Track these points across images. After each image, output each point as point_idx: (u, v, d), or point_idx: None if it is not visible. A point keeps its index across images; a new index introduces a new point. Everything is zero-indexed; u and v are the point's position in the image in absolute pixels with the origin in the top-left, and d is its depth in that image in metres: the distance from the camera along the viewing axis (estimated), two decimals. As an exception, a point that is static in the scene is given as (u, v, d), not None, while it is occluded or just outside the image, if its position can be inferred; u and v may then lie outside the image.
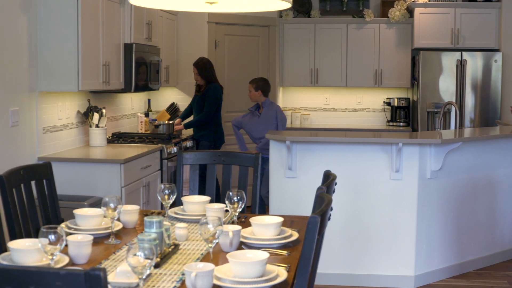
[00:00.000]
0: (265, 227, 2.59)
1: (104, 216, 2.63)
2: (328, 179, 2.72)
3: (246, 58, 7.45)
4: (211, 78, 6.26)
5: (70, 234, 2.58)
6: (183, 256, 2.40)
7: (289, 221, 2.93)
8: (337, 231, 4.67)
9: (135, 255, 1.87)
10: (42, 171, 3.06)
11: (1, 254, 2.33)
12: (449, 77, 7.20)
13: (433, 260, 4.79)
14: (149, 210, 3.18)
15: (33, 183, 3.00)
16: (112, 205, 2.54)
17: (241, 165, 3.56)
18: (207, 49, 6.97)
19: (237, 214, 2.80)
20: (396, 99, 7.86)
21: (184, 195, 3.27)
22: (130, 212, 2.81)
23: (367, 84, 7.82)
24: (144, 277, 1.90)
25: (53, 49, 4.45)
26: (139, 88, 5.53)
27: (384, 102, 7.98)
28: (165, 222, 2.47)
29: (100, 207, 2.65)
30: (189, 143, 6.07)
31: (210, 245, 2.26)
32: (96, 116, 5.09)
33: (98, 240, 2.59)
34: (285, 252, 2.47)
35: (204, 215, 2.88)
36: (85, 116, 5.14)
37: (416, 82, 7.40)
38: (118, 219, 2.80)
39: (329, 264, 4.67)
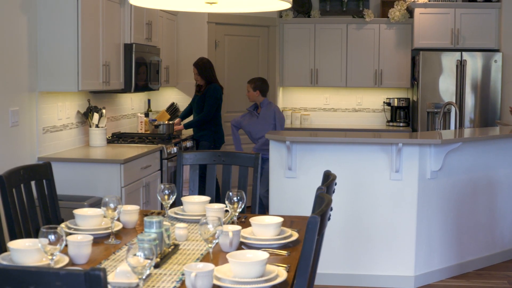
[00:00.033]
0: (265, 227, 2.59)
1: (104, 216, 2.63)
2: (328, 179, 2.72)
3: (246, 58, 7.45)
4: (211, 78, 6.26)
5: (70, 234, 2.58)
6: (183, 256, 2.40)
7: (289, 221, 2.93)
8: (337, 231, 4.67)
9: (135, 255, 1.87)
10: (42, 171, 3.06)
11: (1, 254, 2.33)
12: (449, 77, 7.20)
13: (433, 260, 4.79)
14: (149, 210, 3.18)
15: (33, 183, 3.00)
16: (112, 205, 2.54)
17: (241, 165, 3.56)
18: (207, 49, 6.97)
19: (237, 214, 2.80)
20: (396, 99, 7.86)
21: (184, 195, 3.28)
22: (130, 212, 2.81)
23: (367, 84, 7.82)
24: (144, 277, 1.90)
25: (53, 49, 4.45)
26: (139, 88, 5.53)
27: (384, 102, 7.98)
28: (165, 222, 2.47)
29: (100, 207, 2.65)
30: (189, 143, 6.07)
31: (210, 245, 2.26)
32: (96, 116, 5.09)
33: (98, 240, 2.59)
34: (285, 252, 2.47)
35: (204, 215, 2.88)
36: (85, 116, 5.14)
37: (416, 82, 7.40)
38: (118, 219, 2.80)
39: (329, 264, 4.67)
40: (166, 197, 2.84)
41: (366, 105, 8.11)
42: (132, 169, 4.65)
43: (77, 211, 2.75)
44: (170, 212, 3.03)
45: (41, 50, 4.45)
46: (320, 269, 4.20)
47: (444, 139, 4.57)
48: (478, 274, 4.98)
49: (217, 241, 2.26)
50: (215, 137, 6.28)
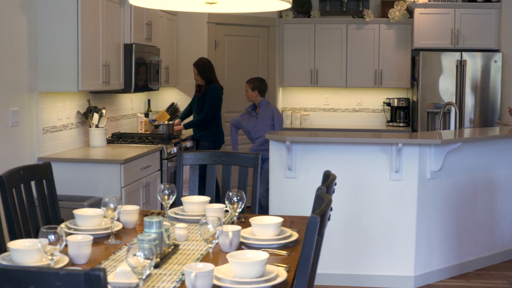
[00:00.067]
0: (265, 227, 2.59)
1: (104, 217, 2.63)
2: (328, 180, 2.72)
3: (246, 58, 7.45)
4: (211, 78, 6.26)
5: (70, 234, 2.58)
6: (183, 256, 2.40)
7: (289, 221, 2.93)
8: (337, 231, 4.67)
9: (135, 255, 1.87)
10: (42, 171, 3.06)
11: (1, 254, 2.33)
12: (449, 77, 7.20)
13: (433, 260, 4.79)
14: (149, 211, 3.18)
15: (33, 183, 3.00)
16: (112, 206, 2.54)
17: (241, 165, 3.56)
18: (207, 49, 6.98)
19: (237, 214, 2.80)
20: (396, 100, 7.86)
21: (184, 196, 3.28)
22: (130, 212, 2.81)
23: (367, 85, 7.82)
24: (144, 277, 1.90)
25: (53, 49, 4.45)
26: (139, 89, 5.53)
27: (384, 102, 7.98)
28: (165, 223, 2.47)
29: (100, 207, 2.65)
30: (189, 143, 6.07)
31: (210, 245, 2.26)
32: (96, 116, 5.09)
33: (98, 240, 2.59)
34: (285, 252, 2.47)
35: (204, 215, 2.89)
36: (85, 117, 5.14)
37: (416, 83, 7.40)
38: (118, 220, 2.80)
39: (329, 264, 4.67)
40: (166, 197, 2.84)
41: (366, 105, 8.11)
42: (132, 169, 4.65)
43: (77, 211, 2.75)
44: (170, 212, 3.03)
45: (41, 50, 4.45)
46: (320, 269, 4.20)
47: (444, 139, 4.57)
48: (478, 274, 4.98)
49: (217, 241, 2.26)
50: (215, 137, 6.28)
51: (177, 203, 3.22)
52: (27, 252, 2.20)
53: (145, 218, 2.39)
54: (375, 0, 7.99)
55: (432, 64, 7.20)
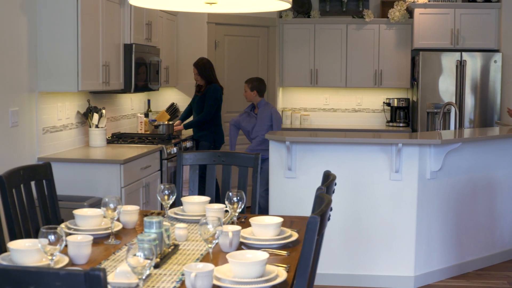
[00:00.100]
0: (264, 227, 2.59)
1: (104, 217, 2.63)
2: (328, 180, 2.72)
3: (246, 58, 7.45)
4: (211, 78, 6.26)
5: (70, 234, 2.58)
6: (182, 257, 2.40)
7: (288, 222, 2.93)
8: (337, 232, 4.67)
9: (134, 255, 1.87)
10: (42, 172, 3.06)
11: (1, 254, 2.33)
12: (449, 77, 7.20)
13: (433, 260, 4.79)
14: (149, 211, 3.18)
15: (33, 183, 3.00)
16: (112, 206, 2.54)
17: (241, 165, 3.56)
18: (207, 50, 6.98)
19: (236, 214, 2.80)
20: (395, 100, 7.87)
21: (184, 196, 3.28)
22: (129, 212, 2.81)
23: (366, 85, 7.82)
24: (143, 277, 1.90)
25: (53, 49, 4.45)
26: (138, 89, 5.53)
27: (383, 102, 7.98)
28: (164, 223, 2.47)
29: (100, 208, 2.65)
30: (188, 144, 6.07)
31: (209, 245, 2.26)
32: (96, 116, 5.09)
33: (98, 240, 2.59)
34: (285, 252, 2.47)
35: (204, 215, 2.89)
36: (85, 117, 5.14)
37: (415, 83, 7.40)
38: (118, 220, 2.80)
39: (329, 264, 4.67)
40: (166, 197, 2.84)
41: (366, 105, 8.11)
42: (132, 169, 4.65)
43: (77, 211, 2.75)
44: (170, 212, 3.03)
45: (41, 50, 4.45)
46: (320, 269, 4.20)
47: (444, 139, 4.57)
48: (478, 274, 4.98)
49: (217, 241, 2.26)
50: (215, 137, 6.28)
51: (177, 203, 3.22)
52: (27, 252, 2.20)
53: (145, 218, 2.39)
54: (375, 0, 7.99)
55: (432, 64, 7.20)
